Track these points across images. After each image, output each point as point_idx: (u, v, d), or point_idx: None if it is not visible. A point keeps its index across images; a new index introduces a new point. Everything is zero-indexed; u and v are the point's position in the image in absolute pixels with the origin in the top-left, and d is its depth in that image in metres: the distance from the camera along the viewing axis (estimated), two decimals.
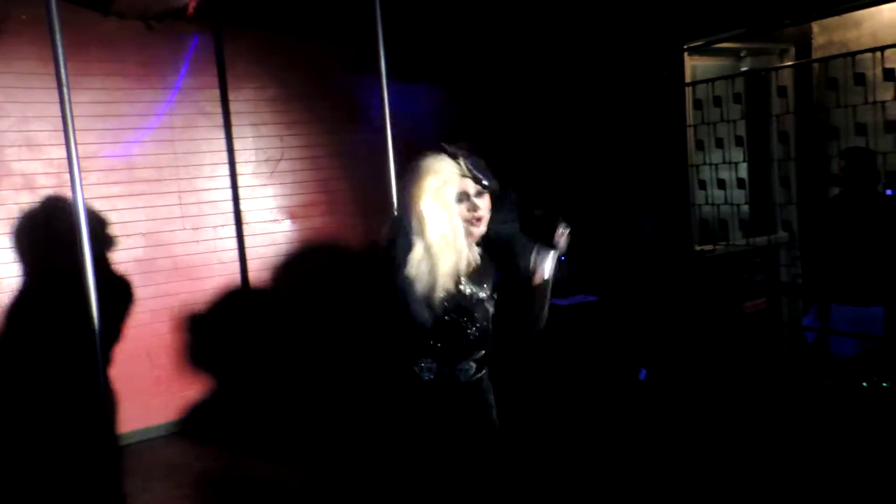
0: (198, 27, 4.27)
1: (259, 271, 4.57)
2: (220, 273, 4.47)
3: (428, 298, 1.93)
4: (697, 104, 4.42)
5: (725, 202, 4.41)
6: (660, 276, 4.58)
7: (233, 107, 4.45)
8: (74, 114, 2.77)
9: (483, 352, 2.07)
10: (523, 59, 5.15)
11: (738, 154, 4.47)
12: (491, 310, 2.06)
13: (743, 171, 4.55)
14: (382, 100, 3.37)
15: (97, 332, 2.85)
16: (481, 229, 2.02)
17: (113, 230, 4.07)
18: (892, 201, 3.79)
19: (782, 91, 4.42)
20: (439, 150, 1.98)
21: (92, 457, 3.86)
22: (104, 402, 2.90)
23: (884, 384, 3.34)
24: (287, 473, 3.61)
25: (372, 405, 2.11)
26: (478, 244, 2.05)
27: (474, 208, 1.98)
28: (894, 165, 3.87)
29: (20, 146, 3.81)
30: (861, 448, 3.14)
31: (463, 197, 1.97)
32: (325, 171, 4.75)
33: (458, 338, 2.01)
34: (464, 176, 1.96)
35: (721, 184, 4.42)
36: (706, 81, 4.39)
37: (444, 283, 1.93)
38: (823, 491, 2.94)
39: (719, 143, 4.37)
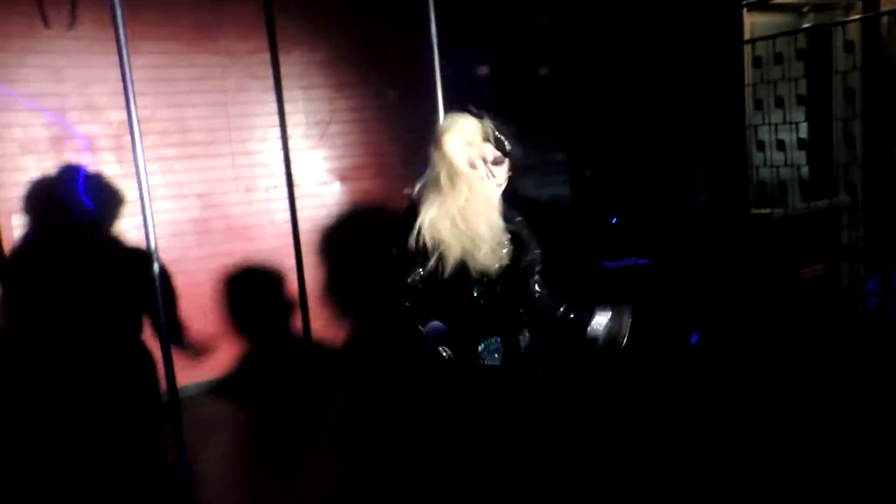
0: None
1: (310, 233, 4.63)
2: (271, 234, 4.55)
3: (456, 266, 1.86)
4: (756, 62, 4.27)
5: (785, 164, 4.27)
6: (714, 239, 4.48)
7: (283, 70, 4.48)
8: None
9: (508, 333, 1.96)
10: (576, 20, 5.02)
11: (798, 114, 4.31)
12: (508, 289, 1.97)
13: (804, 131, 4.39)
14: (433, 62, 3.35)
15: (158, 289, 2.95)
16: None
17: (170, 191, 4.18)
18: None
19: (849, 46, 4.22)
20: (465, 111, 1.95)
21: (149, 412, 4.04)
22: (168, 356, 3.00)
23: None
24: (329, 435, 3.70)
25: (399, 379, 2.06)
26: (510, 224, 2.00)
27: (491, 175, 1.94)
28: None
29: (80, 110, 3.91)
30: None
31: (483, 162, 1.93)
32: (374, 133, 4.76)
33: (478, 313, 1.92)
34: (486, 140, 1.92)
35: (780, 145, 4.28)
36: (766, 38, 4.23)
37: (474, 248, 1.86)
38: (887, 459, 2.88)
39: (779, 103, 4.22)
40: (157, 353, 3.16)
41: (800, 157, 4.25)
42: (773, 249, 4.56)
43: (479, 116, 1.93)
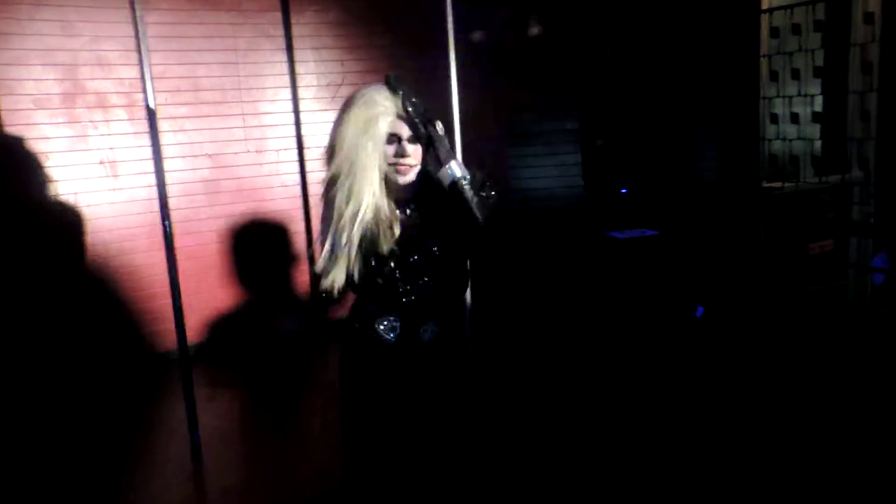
0: None
1: (319, 195, 4.63)
2: (281, 196, 4.56)
3: (358, 246, 1.73)
4: (774, 32, 4.21)
5: (798, 137, 4.24)
6: (723, 212, 4.48)
7: (295, 30, 4.44)
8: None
9: (440, 308, 1.87)
10: None
11: (814, 86, 4.27)
12: (440, 262, 1.83)
13: (819, 104, 4.35)
14: (446, 24, 3.31)
15: (171, 247, 2.98)
16: (408, 178, 1.78)
17: (181, 151, 4.18)
18: None
19: (869, 18, 4.16)
20: (385, 81, 1.76)
21: (157, 368, 4.11)
22: (179, 314, 3.04)
23: None
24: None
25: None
26: (408, 199, 1.82)
27: (402, 154, 1.75)
28: None
29: (93, 65, 3.89)
30: None
31: (393, 139, 1.75)
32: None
33: (404, 293, 1.80)
34: (399, 116, 1.74)
35: (794, 118, 4.24)
36: (784, 8, 4.16)
37: (368, 227, 1.72)
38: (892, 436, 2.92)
39: (795, 75, 4.17)
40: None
41: (813, 130, 4.22)
42: (782, 223, 4.55)
43: (393, 89, 1.73)
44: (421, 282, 1.82)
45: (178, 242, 4.13)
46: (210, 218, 4.33)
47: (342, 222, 1.73)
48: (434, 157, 1.72)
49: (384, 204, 1.76)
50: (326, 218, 1.79)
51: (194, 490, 2.89)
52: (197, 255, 4.27)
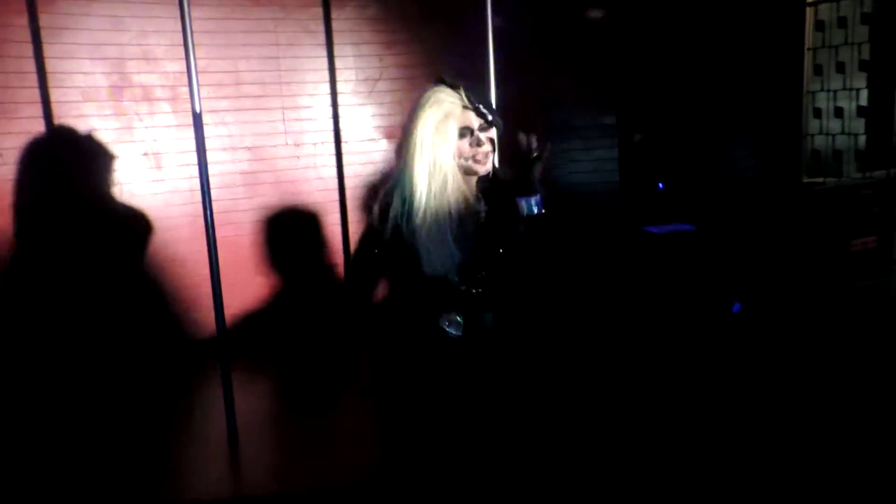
0: None
1: (355, 189, 4.70)
2: (318, 189, 4.62)
3: (438, 246, 1.79)
4: (819, 25, 4.13)
5: (842, 132, 4.16)
6: (762, 207, 4.41)
7: (335, 25, 4.49)
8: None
9: (498, 298, 1.92)
10: None
11: (860, 80, 4.18)
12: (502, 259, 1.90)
13: (864, 98, 4.26)
14: (485, 20, 3.33)
15: (212, 238, 3.06)
16: (487, 167, 1.88)
17: (222, 143, 4.28)
18: None
19: None
20: (439, 81, 1.86)
21: (197, 354, 4.22)
22: (219, 302, 3.12)
23: None
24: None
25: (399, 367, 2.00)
26: (483, 185, 1.90)
27: (478, 143, 1.84)
28: None
29: (139, 59, 4.00)
30: None
31: (466, 132, 1.83)
32: (423, 91, 4.75)
33: (471, 287, 1.86)
34: (466, 108, 1.83)
35: (838, 112, 4.16)
36: (831, 0, 4.08)
37: (451, 225, 1.79)
38: None
39: (840, 68, 4.09)
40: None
41: (858, 125, 4.13)
42: (823, 219, 4.46)
43: (452, 86, 1.84)
44: (481, 275, 1.88)
45: (218, 233, 4.25)
46: (248, 209, 4.41)
47: (420, 210, 1.79)
48: (525, 178, 1.83)
49: (462, 199, 1.84)
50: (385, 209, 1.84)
51: (231, 471, 2.98)
52: (235, 245, 4.36)
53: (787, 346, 3.87)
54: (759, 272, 4.42)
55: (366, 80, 4.65)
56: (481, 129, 1.85)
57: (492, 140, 1.87)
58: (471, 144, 1.84)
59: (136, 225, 4.10)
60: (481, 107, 1.83)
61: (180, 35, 2.90)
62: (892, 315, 4.25)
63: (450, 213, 1.82)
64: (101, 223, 4.00)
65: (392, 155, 1.94)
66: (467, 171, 1.86)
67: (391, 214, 1.83)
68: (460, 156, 1.83)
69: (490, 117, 1.84)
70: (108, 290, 4.02)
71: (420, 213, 1.80)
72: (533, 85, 4.86)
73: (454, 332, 1.89)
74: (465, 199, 1.86)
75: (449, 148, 1.81)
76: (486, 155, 1.86)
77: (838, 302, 4.31)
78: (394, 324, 2.00)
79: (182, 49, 2.92)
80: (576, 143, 4.96)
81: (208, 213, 3.04)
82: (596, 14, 4.95)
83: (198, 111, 2.92)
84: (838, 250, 4.62)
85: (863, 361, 3.55)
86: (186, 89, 2.91)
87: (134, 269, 4.13)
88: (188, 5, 2.85)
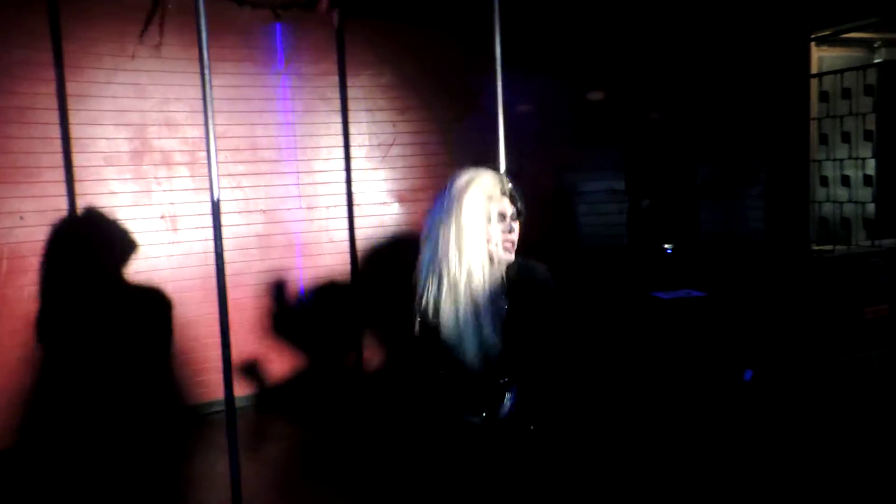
0: (320, 16, 4.47)
1: (367, 251, 4.75)
2: (330, 252, 4.68)
3: (473, 332, 1.82)
4: (823, 96, 4.22)
5: (849, 200, 4.19)
6: (772, 274, 4.41)
7: (350, 92, 4.64)
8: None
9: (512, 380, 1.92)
10: (641, 49, 5.06)
11: (865, 150, 4.24)
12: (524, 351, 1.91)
13: (870, 167, 4.31)
14: (496, 90, 3.42)
15: (224, 299, 3.08)
16: (512, 255, 1.90)
17: (237, 206, 4.36)
18: None
19: None
20: (481, 165, 1.90)
21: (204, 417, 4.19)
22: (228, 365, 3.12)
23: None
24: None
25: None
26: (511, 274, 1.91)
27: (510, 230, 1.87)
28: None
29: (160, 125, 4.13)
30: None
31: (502, 218, 1.87)
32: (434, 157, 4.87)
33: (497, 372, 1.87)
34: (503, 194, 1.87)
35: (845, 180, 4.21)
36: (834, 73, 4.18)
37: (485, 312, 1.82)
38: None
39: (845, 138, 4.16)
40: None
41: (865, 193, 4.17)
42: (834, 287, 4.45)
43: (497, 171, 1.91)
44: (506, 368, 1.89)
45: (231, 294, 4.28)
46: (261, 271, 4.46)
47: (456, 294, 1.82)
48: None
49: (492, 285, 1.86)
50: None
51: None
52: (247, 307, 4.39)
53: (798, 415, 3.80)
54: (771, 339, 4.39)
55: (379, 145, 4.77)
56: (513, 217, 1.89)
57: (518, 229, 1.90)
58: (503, 231, 1.86)
59: (149, 288, 4.14)
60: (516, 194, 1.88)
61: (200, 102, 3.00)
62: None
63: (484, 298, 1.84)
64: (116, 287, 4.05)
65: (424, 226, 1.94)
66: (491, 258, 1.87)
67: (424, 295, 1.87)
68: (490, 241, 1.85)
69: (521, 207, 1.89)
70: (120, 351, 4.04)
71: (454, 297, 1.82)
72: (543, 151, 4.96)
73: (476, 421, 1.89)
74: (493, 286, 1.88)
75: (484, 231, 1.84)
76: (514, 243, 1.89)
77: (854, 370, 4.25)
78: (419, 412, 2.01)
79: (202, 115, 3.01)
80: (583, 209, 5.02)
81: (222, 273, 3.06)
82: (598, 96, 5.08)
83: (215, 175, 2.99)
84: (852, 318, 4.59)
85: (873, 431, 3.48)
86: (204, 154, 2.99)
87: (148, 330, 4.16)
88: (209, 73, 2.95)
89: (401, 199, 4.83)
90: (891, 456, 3.24)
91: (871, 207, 4.27)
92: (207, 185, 3.05)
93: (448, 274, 1.83)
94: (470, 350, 1.83)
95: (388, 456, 3.56)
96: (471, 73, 4.73)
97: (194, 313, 4.25)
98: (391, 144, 4.78)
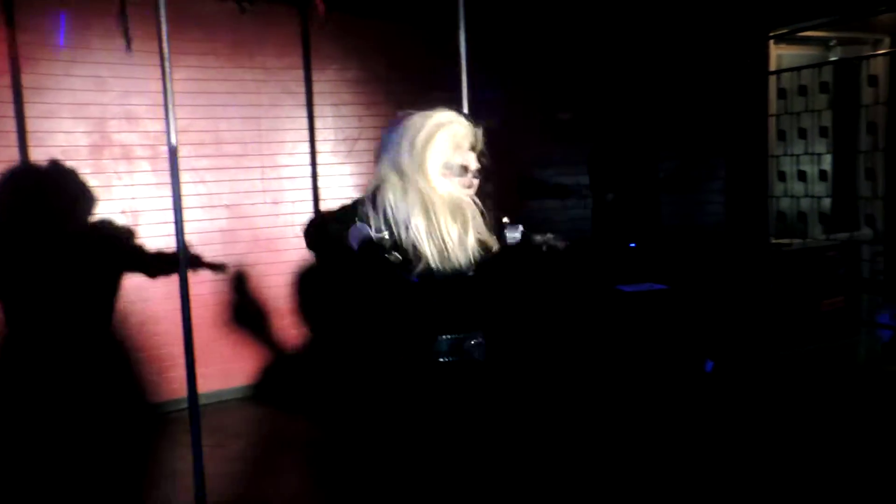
0: (285, 9, 4.44)
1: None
2: (296, 247, 4.64)
3: (434, 269, 1.70)
4: (781, 93, 4.32)
5: (806, 195, 4.30)
6: (732, 267, 4.50)
7: (315, 87, 4.61)
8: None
9: (488, 324, 1.86)
10: (603, 48, 5.11)
11: (821, 146, 4.35)
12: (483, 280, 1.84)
13: (826, 163, 4.42)
14: (460, 84, 3.43)
15: (186, 295, 3.05)
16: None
17: (201, 201, 4.31)
18: None
19: (872, 80, 4.26)
20: (460, 112, 1.81)
21: (164, 418, 4.15)
22: (191, 361, 3.09)
23: None
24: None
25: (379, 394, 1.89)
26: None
27: (470, 185, 1.81)
28: None
29: (120, 119, 4.06)
30: None
31: (463, 171, 1.79)
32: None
33: (465, 309, 1.78)
34: (472, 149, 1.80)
35: (802, 175, 4.31)
36: (792, 70, 4.28)
37: (452, 252, 1.70)
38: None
39: (802, 134, 4.26)
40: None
41: (821, 188, 4.28)
42: (792, 280, 4.56)
43: (474, 122, 1.82)
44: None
45: (194, 291, 4.23)
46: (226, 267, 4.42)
47: (409, 218, 1.70)
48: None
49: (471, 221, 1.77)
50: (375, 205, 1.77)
51: None
52: (211, 303, 4.35)
53: (757, 406, 3.89)
54: (731, 331, 4.48)
55: (345, 139, 4.75)
56: (475, 173, 1.82)
57: (477, 185, 1.82)
58: (462, 184, 1.79)
59: (112, 284, 4.08)
60: (485, 152, 1.81)
61: (162, 95, 2.95)
62: (857, 375, 4.31)
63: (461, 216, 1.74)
64: (77, 284, 3.97)
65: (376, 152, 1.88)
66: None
67: (379, 215, 1.73)
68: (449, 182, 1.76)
69: (487, 162, 1.82)
70: (84, 347, 3.97)
71: (430, 212, 1.70)
72: (509, 148, 4.98)
73: (476, 356, 1.78)
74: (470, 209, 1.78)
75: (439, 171, 1.75)
76: (471, 185, 1.82)
77: (809, 362, 4.37)
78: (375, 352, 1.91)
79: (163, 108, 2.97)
80: (551, 203, 5.07)
81: (183, 270, 3.03)
82: (564, 92, 5.11)
83: (176, 168, 2.96)
84: (809, 310, 4.70)
85: (827, 423, 3.59)
86: (166, 148, 2.95)
87: (110, 328, 4.09)
88: (170, 66, 2.91)
89: None
90: (845, 443, 3.34)
91: (826, 202, 4.38)
92: (169, 180, 3.02)
93: (419, 191, 1.70)
94: (458, 258, 1.72)
95: (361, 450, 3.57)
96: (438, 68, 4.71)
97: (156, 309, 4.20)
98: (357, 139, 4.76)
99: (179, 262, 3.03)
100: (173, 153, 2.94)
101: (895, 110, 4.64)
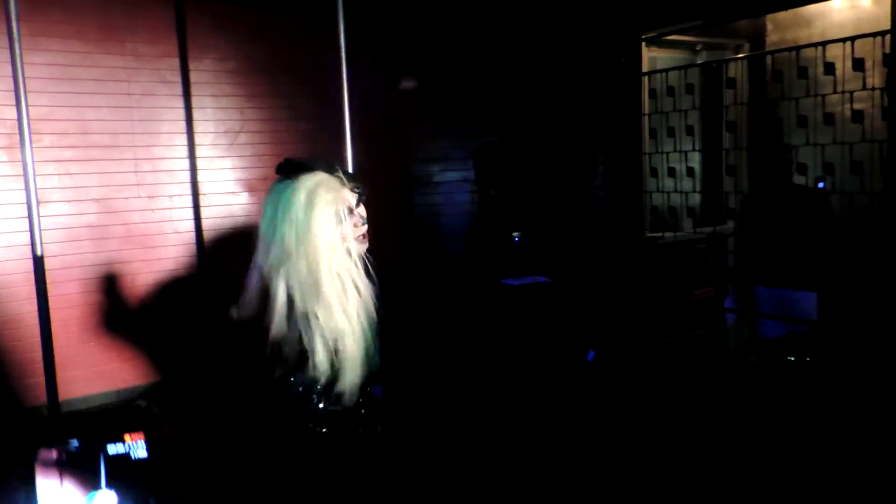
0: None
1: (215, 242, 4.57)
2: (175, 243, 4.46)
3: (358, 354, 1.67)
4: (653, 94, 4.54)
5: (675, 190, 4.55)
6: (611, 260, 4.71)
7: (193, 76, 4.43)
8: (29, 75, 2.76)
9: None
10: (489, 45, 5.20)
11: (688, 144, 4.61)
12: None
13: (695, 160, 4.70)
14: (341, 77, 3.40)
15: (46, 297, 2.86)
16: (365, 246, 1.78)
17: (66, 195, 4.04)
18: (817, 193, 4.02)
19: (731, 82, 4.56)
20: (307, 169, 1.71)
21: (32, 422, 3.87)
22: (51, 367, 2.90)
23: (807, 358, 3.55)
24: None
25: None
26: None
27: (362, 221, 1.76)
28: (831, 157, 4.03)
29: None
30: (782, 414, 3.33)
31: (349, 212, 1.72)
32: (284, 145, 4.75)
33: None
34: (343, 186, 1.72)
35: (672, 172, 4.56)
36: (660, 72, 4.51)
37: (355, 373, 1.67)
38: (749, 460, 3.09)
39: (671, 133, 4.50)
40: None
41: (689, 184, 4.54)
42: (666, 271, 4.82)
43: (329, 168, 1.73)
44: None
45: (60, 290, 3.98)
46: (96, 265, 4.17)
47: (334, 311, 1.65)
48: None
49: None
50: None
51: None
52: (80, 303, 4.09)
53: (634, 395, 4.09)
54: (610, 321, 4.68)
55: (226, 132, 4.59)
56: (358, 203, 1.75)
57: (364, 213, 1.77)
58: (355, 224, 1.73)
59: None
60: (355, 181, 1.75)
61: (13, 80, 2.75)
62: (722, 362, 4.61)
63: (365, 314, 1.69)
64: None
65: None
66: (349, 254, 1.70)
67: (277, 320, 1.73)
68: (344, 240, 1.70)
69: (362, 192, 1.75)
70: None
71: (332, 315, 1.65)
72: (394, 143, 4.99)
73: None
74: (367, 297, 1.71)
75: (339, 237, 1.68)
76: (365, 235, 1.77)
77: (683, 349, 4.64)
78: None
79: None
80: (438, 199, 5.11)
81: (43, 270, 2.84)
82: (449, 87, 5.17)
83: (29, 160, 2.76)
84: (681, 300, 4.99)
85: (699, 406, 3.81)
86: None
87: None
88: (20, 47, 2.72)
89: (250, 189, 4.68)
90: (713, 427, 3.55)
91: (695, 197, 4.65)
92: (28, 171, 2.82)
93: (320, 304, 1.65)
94: (352, 380, 1.69)
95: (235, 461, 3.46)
96: (322, 60, 4.65)
97: (19, 311, 3.91)
98: (239, 132, 4.62)
99: (35, 261, 2.84)
100: (26, 142, 2.75)
101: (755, 110, 4.99)
